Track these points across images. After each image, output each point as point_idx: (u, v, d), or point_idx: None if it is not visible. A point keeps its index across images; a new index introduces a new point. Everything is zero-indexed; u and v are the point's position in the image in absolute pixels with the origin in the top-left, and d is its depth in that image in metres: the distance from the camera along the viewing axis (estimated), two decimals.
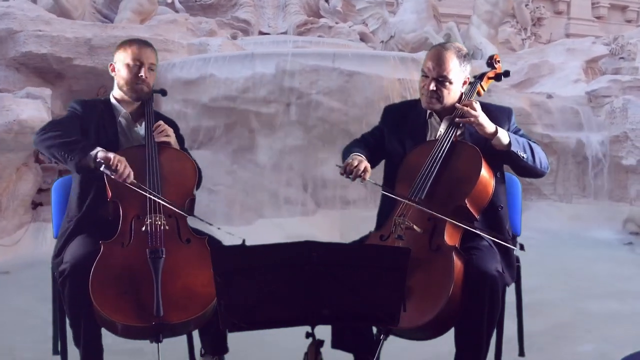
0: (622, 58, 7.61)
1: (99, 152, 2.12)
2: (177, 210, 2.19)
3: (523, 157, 2.17)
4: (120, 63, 2.41)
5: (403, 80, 5.31)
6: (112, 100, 2.46)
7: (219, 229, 2.28)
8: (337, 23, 9.38)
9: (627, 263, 4.93)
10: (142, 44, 2.45)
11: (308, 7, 9.57)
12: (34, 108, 5.11)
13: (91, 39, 5.68)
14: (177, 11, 8.63)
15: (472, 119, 2.14)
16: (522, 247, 2.13)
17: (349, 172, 2.19)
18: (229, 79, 5.26)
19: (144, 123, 2.43)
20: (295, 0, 9.42)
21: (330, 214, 5.48)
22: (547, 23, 12.09)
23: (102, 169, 2.11)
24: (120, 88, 2.44)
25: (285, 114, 5.31)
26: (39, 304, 3.49)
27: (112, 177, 2.13)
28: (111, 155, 2.12)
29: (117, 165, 2.11)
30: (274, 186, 5.42)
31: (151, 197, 2.17)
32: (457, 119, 2.19)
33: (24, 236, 5.43)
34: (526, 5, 10.37)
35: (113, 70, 2.45)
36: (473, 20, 8.24)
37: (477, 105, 2.18)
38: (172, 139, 2.41)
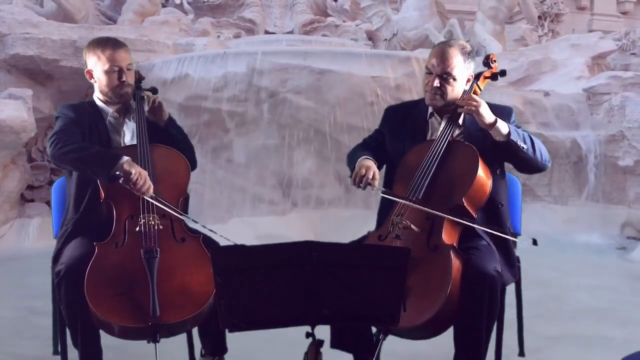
0: (633, 54, 7.29)
1: (125, 164, 2.12)
2: (175, 213, 2.18)
3: (523, 147, 2.18)
4: (98, 71, 2.38)
5: (378, 78, 5.21)
6: (98, 102, 2.45)
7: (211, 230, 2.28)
8: (344, 22, 9.29)
9: (609, 273, 4.64)
10: (113, 45, 2.40)
11: (315, 6, 9.46)
12: (14, 108, 5.26)
13: (76, 40, 5.81)
14: (185, 12, 8.78)
15: (473, 108, 2.15)
16: (535, 242, 2.05)
17: (358, 181, 2.20)
18: (203, 79, 5.29)
19: (132, 117, 2.44)
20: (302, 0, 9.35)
21: (304, 214, 5.44)
22: (569, 19, 11.66)
23: (121, 182, 2.11)
24: (103, 94, 2.43)
25: (258, 112, 5.30)
26: (19, 297, 3.61)
27: (132, 191, 2.12)
28: (133, 170, 2.11)
29: (136, 181, 2.11)
30: (248, 185, 5.42)
31: (160, 205, 2.16)
32: (459, 109, 2.21)
33: (8, 231, 5.62)
34: (542, 2, 10.03)
35: (91, 77, 2.43)
36: (478, 17, 8.02)
37: (477, 97, 2.20)
38: (165, 113, 2.45)
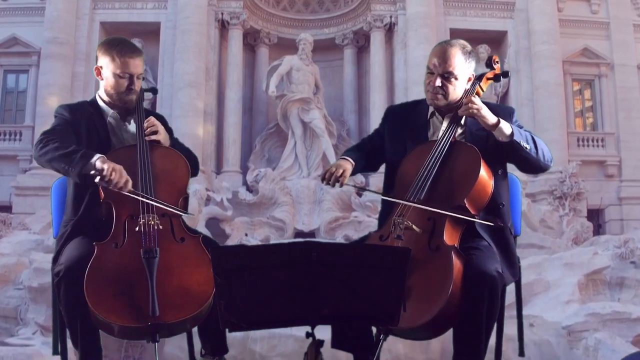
0: (632, 262, 7.32)
1: (97, 162, 2.11)
2: (173, 210, 2.19)
3: (526, 147, 2.20)
4: (108, 72, 2.36)
5: None
6: (99, 102, 2.44)
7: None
8: (368, 216, 9.81)
9: None
10: (130, 52, 2.37)
11: (341, 202, 10.37)
12: None
13: None
14: (225, 209, 9.92)
15: (475, 111, 2.17)
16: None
17: (327, 178, 2.25)
18: None
19: (132, 121, 2.43)
20: (329, 197, 10.25)
21: None
22: (597, 187, 11.81)
23: (96, 180, 2.11)
24: (108, 95, 2.41)
25: None
26: None
27: (109, 187, 2.12)
28: (106, 165, 2.10)
29: (110, 176, 2.09)
30: None
31: (147, 201, 2.16)
32: (460, 111, 2.23)
33: None
34: (562, 182, 10.25)
35: (99, 74, 2.40)
36: None
37: (478, 99, 2.22)
38: (162, 136, 2.40)
